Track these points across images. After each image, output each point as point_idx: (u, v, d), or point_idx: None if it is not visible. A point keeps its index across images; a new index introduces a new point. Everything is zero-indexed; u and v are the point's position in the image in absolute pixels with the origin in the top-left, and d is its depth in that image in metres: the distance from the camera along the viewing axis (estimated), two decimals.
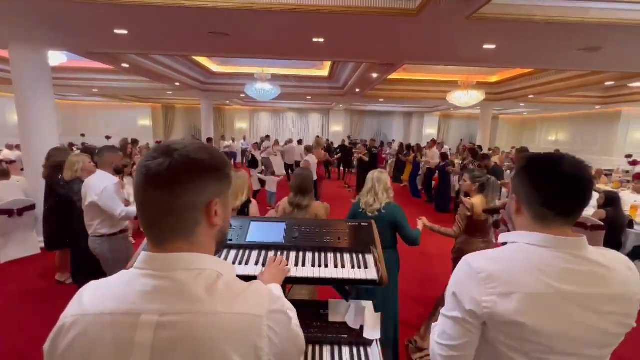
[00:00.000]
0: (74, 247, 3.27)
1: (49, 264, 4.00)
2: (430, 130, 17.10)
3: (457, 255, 2.70)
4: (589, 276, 0.77)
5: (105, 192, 2.38)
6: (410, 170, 9.37)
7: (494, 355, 0.80)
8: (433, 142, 9.63)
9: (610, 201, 4.06)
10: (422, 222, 2.52)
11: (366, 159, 8.57)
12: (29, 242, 4.22)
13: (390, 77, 7.49)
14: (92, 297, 0.59)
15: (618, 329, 0.78)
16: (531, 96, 8.81)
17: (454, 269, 0.91)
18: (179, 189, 0.59)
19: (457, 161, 7.93)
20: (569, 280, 0.76)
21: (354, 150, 11.02)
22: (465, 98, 7.56)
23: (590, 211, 4.57)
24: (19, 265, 3.98)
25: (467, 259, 0.84)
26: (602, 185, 6.42)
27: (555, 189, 0.80)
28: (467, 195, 2.81)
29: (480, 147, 9.54)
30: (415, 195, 8.98)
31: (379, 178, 2.49)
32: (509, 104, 10.47)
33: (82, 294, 0.61)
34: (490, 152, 9.26)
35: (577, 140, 13.15)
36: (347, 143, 12.42)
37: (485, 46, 4.54)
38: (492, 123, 12.51)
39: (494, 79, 9.02)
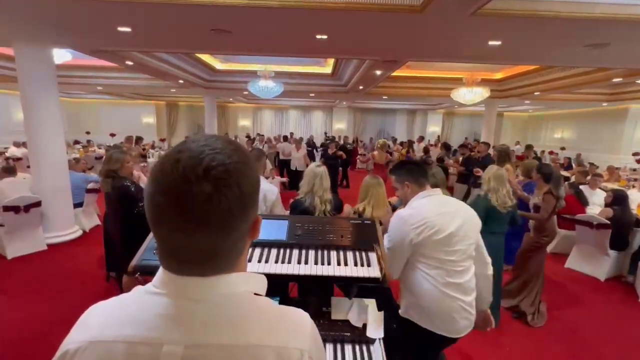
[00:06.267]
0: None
1: (56, 261, 4.05)
2: (433, 128, 16.99)
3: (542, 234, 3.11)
4: (454, 204, 1.67)
5: None
6: None
7: (413, 274, 1.58)
8: (421, 138, 11.76)
9: (618, 199, 4.01)
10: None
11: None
12: (35, 238, 4.26)
13: (394, 74, 7.43)
14: (102, 320, 0.50)
15: (478, 223, 1.67)
16: (537, 93, 8.70)
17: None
18: (233, 227, 0.49)
19: (434, 153, 8.48)
20: (446, 205, 1.64)
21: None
22: (470, 95, 7.48)
23: (596, 209, 4.52)
24: (26, 261, 4.02)
25: (398, 213, 1.65)
26: (610, 184, 6.34)
27: (418, 170, 1.73)
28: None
29: (488, 144, 9.66)
30: None
31: (503, 175, 2.73)
32: (514, 101, 10.37)
33: (89, 316, 0.52)
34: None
35: (582, 137, 13.00)
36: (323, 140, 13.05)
37: (490, 43, 4.48)
38: (496, 120, 12.39)
39: (498, 75, 8.92)
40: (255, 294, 0.55)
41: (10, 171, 4.55)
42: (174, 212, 0.46)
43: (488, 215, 2.71)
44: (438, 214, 1.55)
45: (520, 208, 3.17)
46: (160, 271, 0.52)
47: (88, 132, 14.03)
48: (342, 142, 12.18)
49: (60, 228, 4.57)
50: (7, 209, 3.91)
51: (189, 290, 0.49)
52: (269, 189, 2.42)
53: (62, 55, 5.19)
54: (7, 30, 4.18)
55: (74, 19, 4.00)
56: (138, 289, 0.53)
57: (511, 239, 3.66)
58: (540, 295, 3.09)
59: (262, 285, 0.57)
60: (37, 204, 4.19)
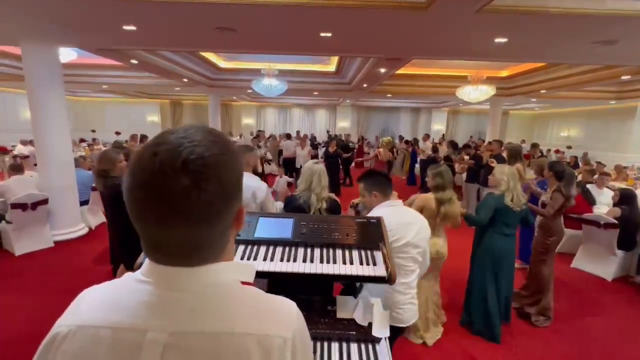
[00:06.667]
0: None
1: (62, 258, 4.09)
2: (438, 126, 16.90)
3: (547, 233, 3.05)
4: (413, 214, 1.84)
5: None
6: (409, 162, 10.25)
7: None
8: (427, 136, 11.27)
9: (626, 199, 3.96)
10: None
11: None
12: (42, 235, 4.31)
13: (398, 72, 7.40)
14: (92, 305, 0.51)
15: (428, 232, 1.84)
16: (543, 91, 8.61)
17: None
18: (215, 220, 0.48)
19: (440, 152, 8.43)
20: (405, 215, 1.80)
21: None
22: (475, 93, 7.41)
23: (604, 209, 4.47)
24: (33, 258, 4.07)
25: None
26: (617, 183, 6.26)
27: (385, 181, 1.86)
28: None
29: (500, 142, 9.63)
30: (410, 183, 9.73)
31: (516, 174, 2.73)
32: (520, 99, 10.26)
33: (81, 300, 0.53)
34: None
35: (590, 136, 12.84)
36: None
37: (497, 40, 4.44)
38: (502, 118, 12.29)
39: (504, 73, 8.83)
40: (244, 282, 0.54)
41: (17, 169, 4.60)
42: (154, 206, 0.45)
43: (496, 215, 2.66)
44: (398, 223, 1.71)
45: (532, 202, 3.12)
46: (147, 260, 0.51)
47: (93, 131, 14.15)
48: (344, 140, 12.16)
49: (66, 225, 4.62)
50: (14, 206, 3.96)
51: (173, 280, 0.49)
52: (258, 186, 2.40)
53: (67, 54, 5.24)
54: (14, 29, 4.22)
55: (79, 17, 4.02)
56: (128, 275, 0.53)
57: (528, 239, 3.62)
58: (551, 301, 3.05)
59: (249, 273, 0.57)
60: (44, 201, 4.24)
